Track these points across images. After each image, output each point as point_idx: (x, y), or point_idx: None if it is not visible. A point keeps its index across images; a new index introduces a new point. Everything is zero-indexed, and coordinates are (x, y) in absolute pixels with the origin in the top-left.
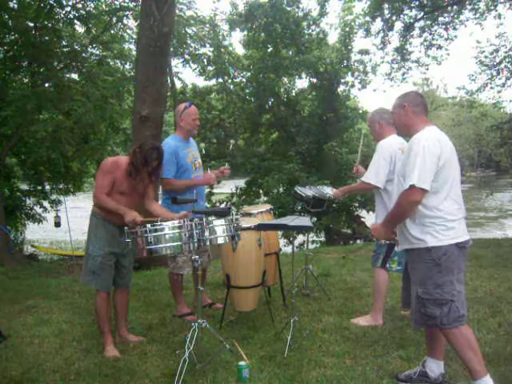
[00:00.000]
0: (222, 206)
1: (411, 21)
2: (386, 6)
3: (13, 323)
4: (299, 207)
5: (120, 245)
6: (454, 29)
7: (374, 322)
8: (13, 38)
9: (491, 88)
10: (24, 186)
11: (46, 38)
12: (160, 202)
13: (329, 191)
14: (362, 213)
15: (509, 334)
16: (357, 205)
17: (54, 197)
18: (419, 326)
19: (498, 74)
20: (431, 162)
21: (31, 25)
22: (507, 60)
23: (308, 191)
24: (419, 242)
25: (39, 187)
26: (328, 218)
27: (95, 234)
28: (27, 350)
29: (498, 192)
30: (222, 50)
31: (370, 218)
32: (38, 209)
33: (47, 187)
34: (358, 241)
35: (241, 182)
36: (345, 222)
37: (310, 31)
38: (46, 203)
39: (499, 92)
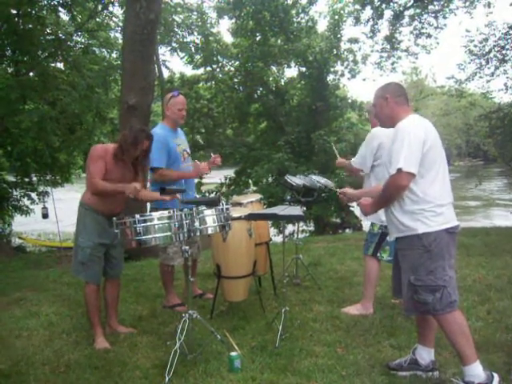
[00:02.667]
0: (212, 195)
1: (401, 9)
2: None
3: (1, 316)
4: (288, 197)
5: (109, 235)
6: (444, 17)
7: (364, 310)
8: None
9: (480, 77)
10: (11, 178)
11: (30, 25)
12: None
13: (320, 180)
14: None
15: (497, 322)
16: None
17: (41, 188)
18: (411, 314)
19: (487, 63)
20: (417, 147)
21: (14, 12)
22: (496, 49)
23: (298, 180)
24: (409, 230)
25: (26, 179)
26: (317, 207)
27: (84, 225)
28: (16, 343)
29: (485, 181)
30: (210, 38)
31: (358, 208)
32: (25, 200)
33: (34, 179)
34: (347, 230)
35: (230, 172)
36: (334, 212)
37: (299, 19)
38: (33, 195)
39: (488, 81)
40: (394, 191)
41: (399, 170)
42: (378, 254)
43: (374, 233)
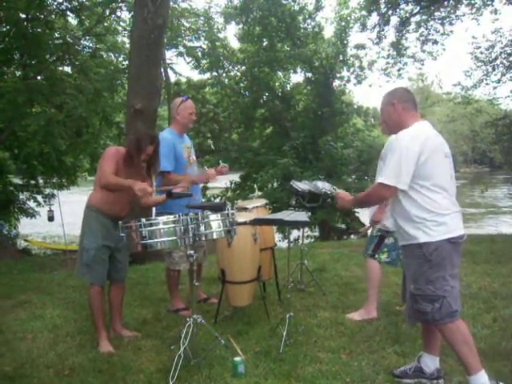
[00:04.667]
0: (217, 200)
1: (407, 15)
2: (382, 0)
3: (6, 318)
4: (293, 202)
5: (114, 238)
6: (450, 24)
7: (367, 315)
8: (4, 29)
9: (486, 84)
10: (17, 181)
11: (38, 29)
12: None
13: (326, 186)
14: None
15: (503, 330)
16: None
17: (47, 191)
18: (413, 322)
19: (494, 69)
20: (408, 160)
21: (23, 16)
22: (503, 56)
23: (303, 185)
24: (412, 238)
25: (32, 181)
26: (322, 212)
27: (89, 227)
28: (20, 346)
29: (491, 188)
30: (217, 43)
31: (363, 214)
32: (31, 203)
33: (40, 181)
34: (352, 236)
35: (235, 177)
36: (339, 218)
37: (306, 25)
38: (39, 197)
39: (495, 88)
40: (373, 200)
41: (381, 183)
42: (376, 256)
43: (373, 235)
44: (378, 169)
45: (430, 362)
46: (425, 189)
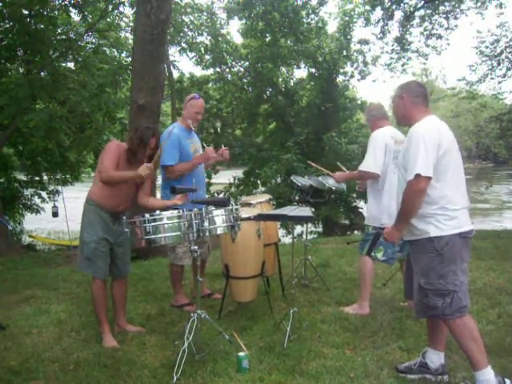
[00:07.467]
0: (221, 196)
1: (411, 10)
2: None
3: (11, 313)
4: (296, 197)
5: (113, 233)
6: (455, 18)
7: (360, 310)
8: (7, 26)
9: (491, 79)
10: (22, 177)
11: (41, 25)
12: (158, 194)
13: (330, 182)
14: (360, 204)
15: (508, 326)
16: (355, 196)
17: (51, 187)
18: (421, 316)
19: (499, 64)
20: (432, 151)
21: (26, 12)
22: (508, 50)
23: (303, 180)
24: (422, 233)
25: (37, 178)
26: (326, 208)
27: (89, 220)
28: (26, 340)
29: (495, 184)
30: (220, 38)
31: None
32: (35, 199)
33: (45, 177)
34: (356, 231)
35: (238, 173)
36: (342, 213)
37: (309, 20)
38: (43, 193)
39: (500, 83)
40: (414, 197)
41: (417, 176)
42: (372, 254)
43: (368, 232)
44: (368, 159)
45: (435, 358)
46: (439, 183)
